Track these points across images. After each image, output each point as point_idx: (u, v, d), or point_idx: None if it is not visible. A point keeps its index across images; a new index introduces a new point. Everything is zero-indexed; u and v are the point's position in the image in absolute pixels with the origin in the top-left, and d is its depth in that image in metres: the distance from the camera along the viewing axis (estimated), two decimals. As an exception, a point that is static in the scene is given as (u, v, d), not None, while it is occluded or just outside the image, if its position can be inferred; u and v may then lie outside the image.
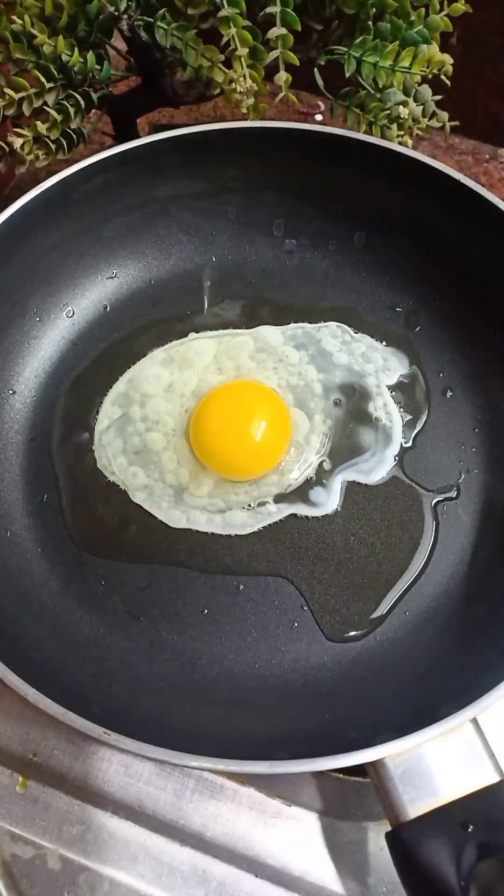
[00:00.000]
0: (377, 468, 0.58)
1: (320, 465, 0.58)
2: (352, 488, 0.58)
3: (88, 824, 0.53)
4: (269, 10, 0.55)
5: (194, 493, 0.57)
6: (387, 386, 0.61)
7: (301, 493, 0.57)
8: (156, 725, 0.46)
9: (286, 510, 0.57)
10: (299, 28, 0.55)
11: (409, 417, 0.60)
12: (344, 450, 0.59)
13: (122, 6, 0.58)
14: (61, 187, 0.59)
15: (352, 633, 0.53)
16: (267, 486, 0.57)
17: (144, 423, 0.60)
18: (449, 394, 0.61)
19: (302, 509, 0.57)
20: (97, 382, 0.62)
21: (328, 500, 0.57)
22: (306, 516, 0.57)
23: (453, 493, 0.57)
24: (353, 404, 0.61)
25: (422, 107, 0.62)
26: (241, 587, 0.54)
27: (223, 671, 0.52)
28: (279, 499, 0.57)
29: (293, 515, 0.57)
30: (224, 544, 0.56)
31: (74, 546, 0.56)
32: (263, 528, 0.56)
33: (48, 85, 0.59)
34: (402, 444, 0.59)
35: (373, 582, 0.54)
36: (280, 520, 0.56)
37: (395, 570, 0.55)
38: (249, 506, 0.57)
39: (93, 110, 0.65)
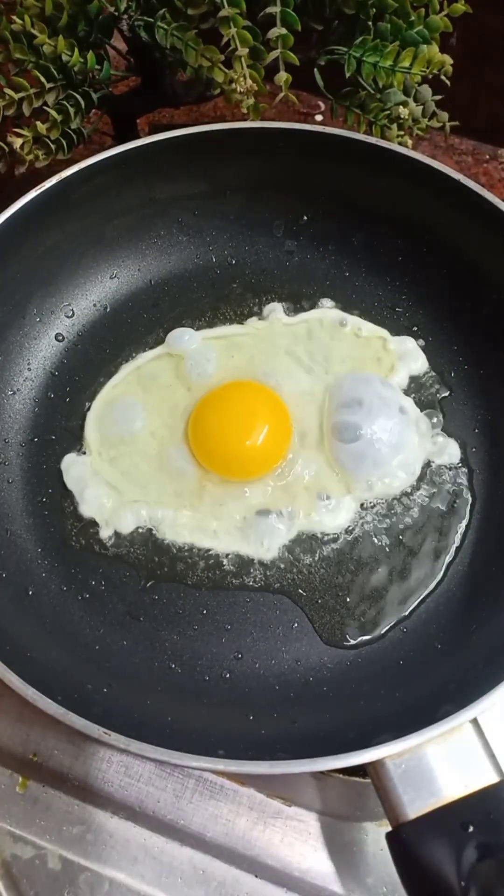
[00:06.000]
0: (395, 480, 0.57)
1: (331, 475, 0.57)
2: (364, 503, 0.57)
3: (88, 824, 0.53)
4: (269, 10, 0.55)
5: (194, 502, 0.57)
6: (402, 388, 0.61)
7: (311, 507, 0.56)
8: (156, 725, 0.46)
9: (294, 527, 0.56)
10: (299, 28, 0.55)
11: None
12: (356, 459, 0.57)
13: (122, 6, 0.58)
14: (61, 187, 0.59)
15: (351, 642, 0.53)
16: (272, 497, 0.57)
17: (142, 423, 0.60)
18: (449, 394, 0.61)
19: (311, 526, 0.56)
20: (97, 382, 0.62)
21: (339, 516, 0.56)
22: (315, 534, 0.56)
23: (455, 495, 0.57)
24: (365, 408, 0.58)
25: (422, 107, 0.63)
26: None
27: (223, 671, 0.52)
28: (286, 513, 0.56)
29: (301, 534, 0.56)
30: (225, 561, 0.55)
31: (74, 546, 0.56)
32: (268, 544, 0.55)
33: (48, 85, 0.59)
34: (429, 453, 0.59)
35: (380, 600, 0.54)
36: (288, 539, 0.56)
37: (404, 588, 0.54)
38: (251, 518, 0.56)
39: (93, 110, 0.65)
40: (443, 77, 0.61)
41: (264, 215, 0.67)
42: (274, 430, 0.58)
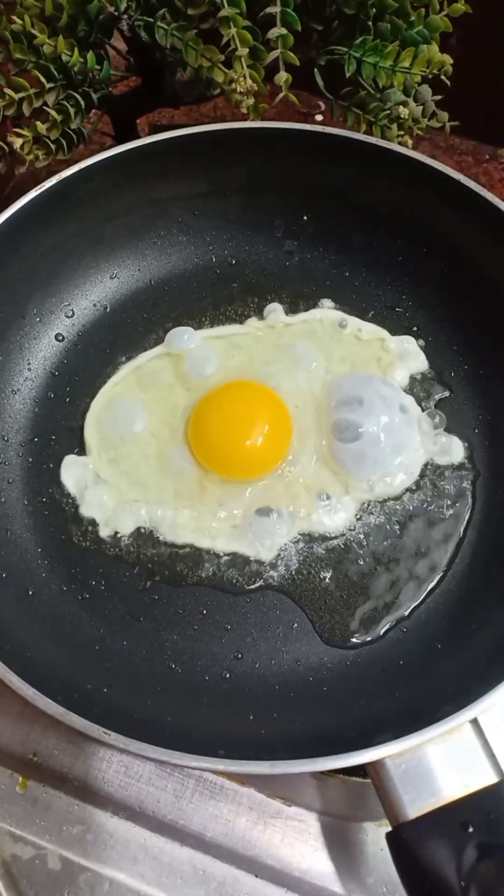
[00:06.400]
0: (396, 480, 0.57)
1: (331, 475, 0.57)
2: (365, 503, 0.57)
3: (88, 824, 0.53)
4: (269, 10, 0.55)
5: (194, 502, 0.57)
6: (402, 388, 0.61)
7: (311, 507, 0.56)
8: (156, 725, 0.46)
9: (294, 527, 0.56)
10: (299, 28, 0.55)
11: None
12: (356, 458, 0.57)
13: (122, 6, 0.58)
14: (61, 187, 0.59)
15: (351, 642, 0.53)
16: (272, 497, 0.57)
17: (142, 423, 0.60)
18: (448, 394, 0.61)
19: (311, 526, 0.56)
20: (97, 382, 0.62)
21: (339, 516, 0.56)
22: (315, 534, 0.56)
23: (455, 495, 0.57)
24: (365, 407, 0.58)
25: (422, 107, 0.62)
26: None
27: (223, 671, 0.52)
28: (287, 513, 0.56)
29: (301, 534, 0.56)
30: (224, 561, 0.55)
31: (74, 546, 0.56)
32: (268, 544, 0.55)
33: (48, 85, 0.59)
34: (430, 453, 0.59)
35: (380, 599, 0.54)
36: (288, 539, 0.56)
37: (404, 588, 0.54)
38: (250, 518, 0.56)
39: (93, 110, 0.65)
40: (443, 77, 0.61)
41: (264, 215, 0.67)
42: (274, 431, 0.58)
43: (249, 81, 0.56)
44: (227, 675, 0.51)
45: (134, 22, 0.59)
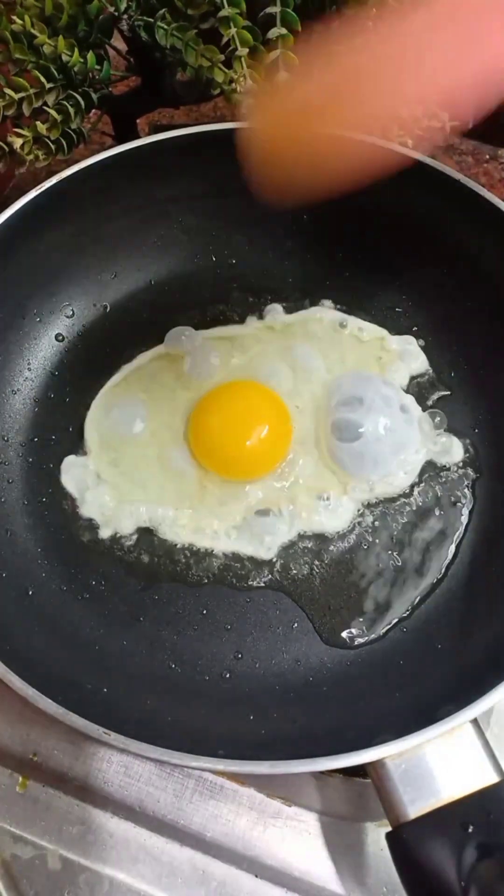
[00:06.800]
0: (396, 480, 0.57)
1: (331, 475, 0.57)
2: (365, 503, 0.57)
3: (88, 824, 0.53)
4: (269, 10, 0.55)
5: (195, 502, 0.57)
6: (401, 387, 0.61)
7: (311, 507, 0.56)
8: (156, 725, 0.46)
9: (294, 527, 0.56)
10: (299, 28, 0.55)
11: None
12: (356, 458, 0.57)
13: (122, 6, 0.58)
14: (61, 187, 0.59)
15: (351, 642, 0.53)
16: (272, 497, 0.57)
17: (142, 423, 0.60)
18: (449, 394, 0.61)
19: (311, 526, 0.56)
20: (97, 382, 0.62)
21: (339, 516, 0.56)
22: (315, 534, 0.56)
23: (455, 495, 0.57)
24: (365, 406, 0.58)
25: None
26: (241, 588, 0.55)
27: (223, 671, 0.52)
28: (287, 513, 0.56)
29: (301, 534, 0.56)
30: (225, 561, 0.55)
31: (74, 546, 0.56)
32: (268, 544, 0.56)
33: (48, 85, 0.59)
34: (431, 453, 0.59)
35: (380, 599, 0.54)
36: (288, 539, 0.56)
37: (405, 587, 0.55)
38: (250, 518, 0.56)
39: (93, 110, 0.65)
40: (443, 77, 0.60)
41: (264, 215, 0.67)
42: (274, 430, 0.58)
43: (249, 81, 0.56)
44: (227, 675, 0.52)
45: (134, 22, 0.59)
